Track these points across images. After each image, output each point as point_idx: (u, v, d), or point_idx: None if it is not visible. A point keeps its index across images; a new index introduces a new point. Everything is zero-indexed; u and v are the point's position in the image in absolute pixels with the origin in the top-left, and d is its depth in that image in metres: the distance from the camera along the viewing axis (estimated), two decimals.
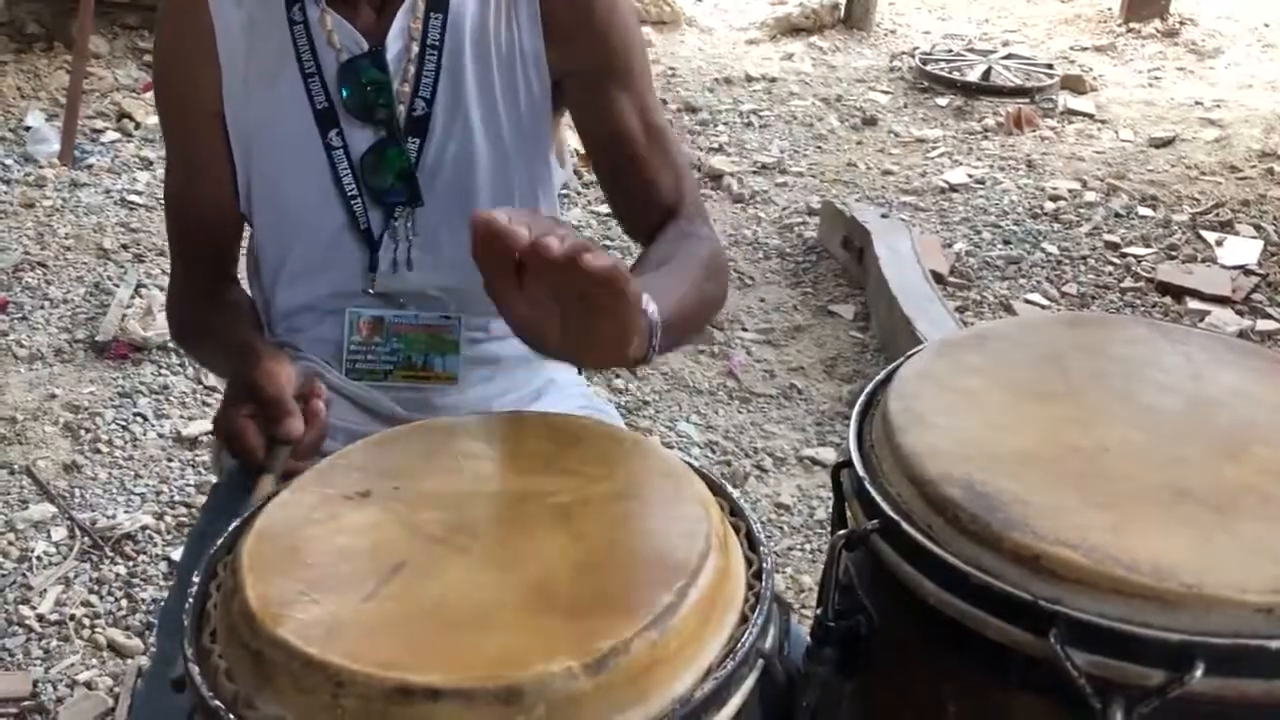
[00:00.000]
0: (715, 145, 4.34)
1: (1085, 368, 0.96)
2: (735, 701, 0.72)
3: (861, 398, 0.95)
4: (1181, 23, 5.79)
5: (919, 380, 0.93)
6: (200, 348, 1.40)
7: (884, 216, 3.48)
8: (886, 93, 4.93)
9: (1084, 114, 4.73)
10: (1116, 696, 0.73)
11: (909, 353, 0.99)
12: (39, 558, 2.29)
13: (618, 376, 2.93)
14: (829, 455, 2.66)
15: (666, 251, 1.17)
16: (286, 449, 1.03)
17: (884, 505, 0.83)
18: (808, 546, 2.39)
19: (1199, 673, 0.71)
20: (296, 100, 1.25)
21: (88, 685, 2.01)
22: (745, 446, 2.69)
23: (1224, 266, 3.50)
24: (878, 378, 0.97)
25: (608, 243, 3.60)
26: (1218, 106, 4.86)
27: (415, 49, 1.25)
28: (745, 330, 3.16)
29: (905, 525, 0.81)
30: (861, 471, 0.87)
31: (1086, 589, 0.74)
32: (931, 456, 0.84)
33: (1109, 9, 6.02)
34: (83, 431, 2.65)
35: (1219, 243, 3.64)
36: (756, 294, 3.35)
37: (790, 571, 2.30)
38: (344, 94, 1.25)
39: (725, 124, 4.56)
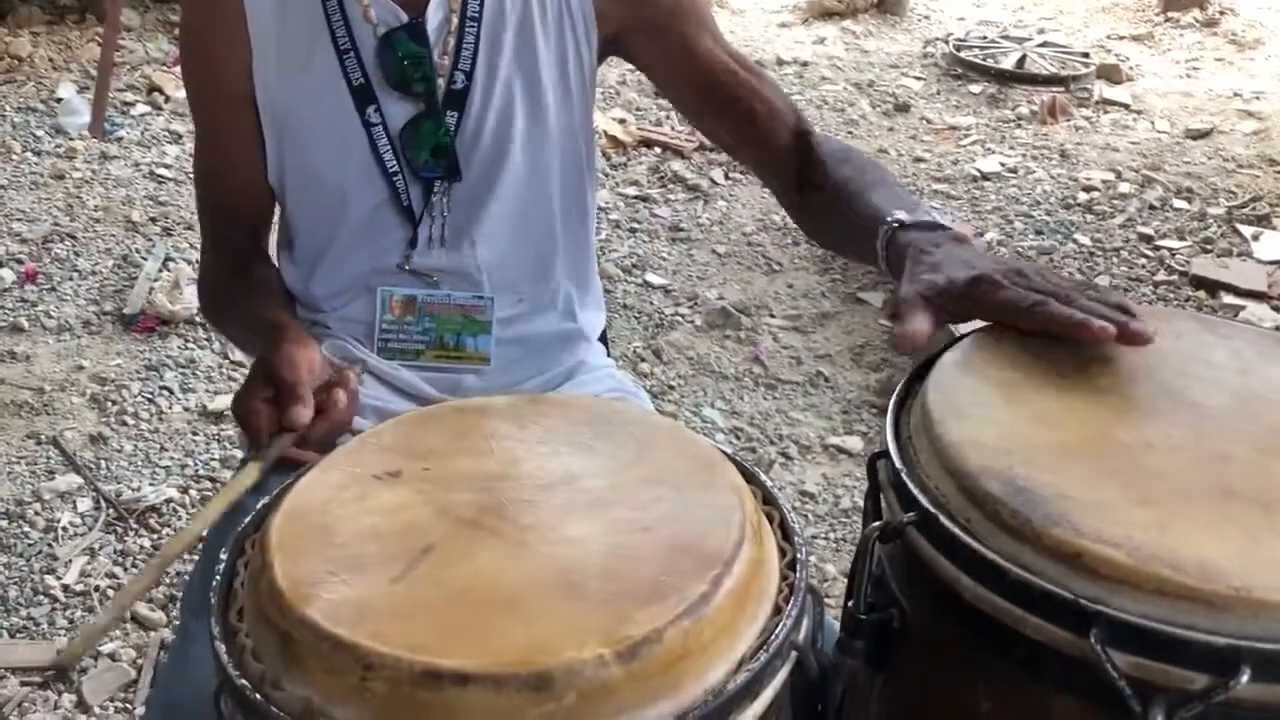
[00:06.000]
0: None
1: (1129, 361, 0.94)
2: (768, 694, 0.71)
3: (899, 387, 0.93)
4: (1221, 13, 5.70)
5: (958, 371, 0.91)
6: (230, 324, 1.39)
7: None
8: (919, 79, 4.88)
9: (1120, 104, 4.67)
10: (1158, 700, 0.71)
11: (947, 342, 0.97)
12: (64, 528, 2.30)
13: (642, 361, 2.92)
14: (855, 444, 2.64)
15: (866, 167, 1.21)
16: (288, 437, 1.01)
17: (921, 497, 0.81)
18: (832, 535, 2.37)
19: (1245, 678, 0.69)
20: (331, 78, 1.24)
21: (111, 657, 2.02)
22: (770, 433, 2.68)
23: (1260, 261, 3.45)
24: (915, 367, 0.95)
25: (635, 225, 3.58)
26: (1257, 98, 4.78)
27: (455, 20, 1.24)
28: (773, 316, 3.14)
29: (943, 518, 0.79)
30: (898, 463, 0.85)
31: (1129, 588, 0.72)
32: (971, 449, 0.82)
33: None
34: (109, 403, 2.66)
35: (1255, 237, 3.58)
36: (785, 280, 3.33)
37: (815, 560, 2.29)
38: (382, 68, 1.23)
39: None
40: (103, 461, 2.49)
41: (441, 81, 1.25)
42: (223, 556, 0.79)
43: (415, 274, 1.31)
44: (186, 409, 2.67)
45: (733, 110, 1.28)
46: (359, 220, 1.29)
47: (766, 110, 1.26)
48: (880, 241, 1.05)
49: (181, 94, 4.15)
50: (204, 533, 0.85)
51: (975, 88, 4.78)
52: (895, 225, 1.04)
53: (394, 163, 1.26)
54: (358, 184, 1.27)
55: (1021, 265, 0.96)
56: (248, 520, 0.82)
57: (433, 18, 1.24)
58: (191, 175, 1.40)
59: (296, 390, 1.03)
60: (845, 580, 0.91)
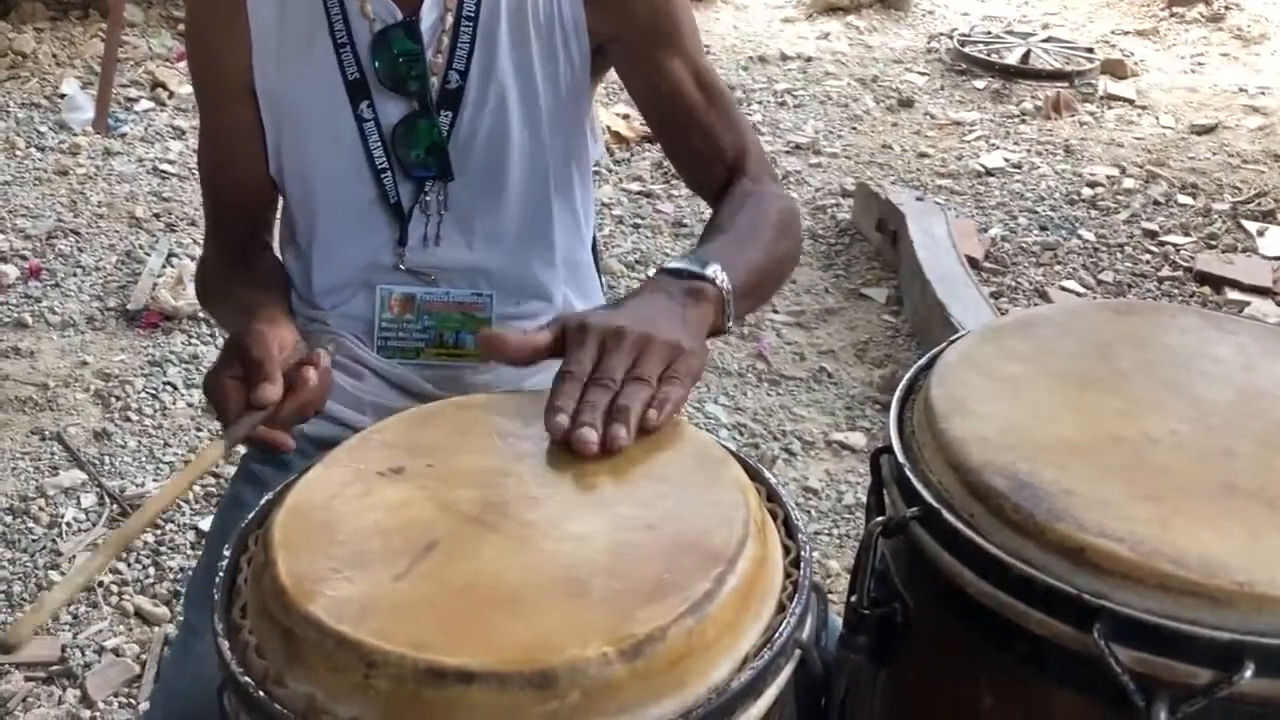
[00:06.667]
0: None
1: (1133, 356, 0.93)
2: (772, 692, 0.71)
3: (903, 383, 0.93)
4: (1226, 8, 5.68)
5: (962, 366, 0.91)
6: (220, 311, 1.39)
7: (919, 199, 3.45)
8: (923, 74, 4.88)
9: (1124, 99, 4.66)
10: (1161, 695, 0.71)
11: (952, 338, 0.97)
12: (68, 524, 2.30)
13: None
14: (858, 440, 2.64)
15: (735, 213, 1.17)
16: (257, 415, 1.01)
17: (924, 493, 0.81)
18: (835, 531, 2.37)
19: (1248, 673, 0.69)
20: (328, 70, 1.24)
21: (115, 651, 2.03)
22: (774, 429, 2.68)
23: (1265, 257, 3.45)
24: (919, 363, 0.95)
25: (638, 221, 3.58)
26: (1262, 94, 4.77)
27: (450, 20, 1.24)
28: (776, 312, 3.14)
29: (946, 513, 0.79)
30: (902, 458, 0.85)
31: (1132, 584, 0.72)
32: (974, 444, 0.82)
33: None
34: (113, 399, 2.66)
35: (1260, 233, 3.58)
36: None
37: (818, 557, 2.29)
38: (376, 65, 1.23)
39: (759, 103, 4.52)
40: (106, 457, 2.50)
41: (435, 80, 1.25)
42: (226, 553, 0.79)
43: (412, 273, 1.31)
44: (190, 405, 2.68)
45: (677, 138, 1.29)
46: (349, 215, 1.29)
47: (707, 147, 1.27)
48: None
49: (185, 90, 4.17)
50: (164, 510, 0.85)
51: (979, 83, 4.77)
52: (659, 269, 1.02)
53: (383, 160, 1.26)
54: (348, 179, 1.28)
55: (620, 334, 0.89)
56: (251, 516, 0.82)
57: (427, 16, 1.24)
58: (195, 170, 1.41)
59: (264, 368, 1.02)
60: (848, 576, 0.90)
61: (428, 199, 1.29)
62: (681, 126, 1.28)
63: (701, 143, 1.27)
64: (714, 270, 1.00)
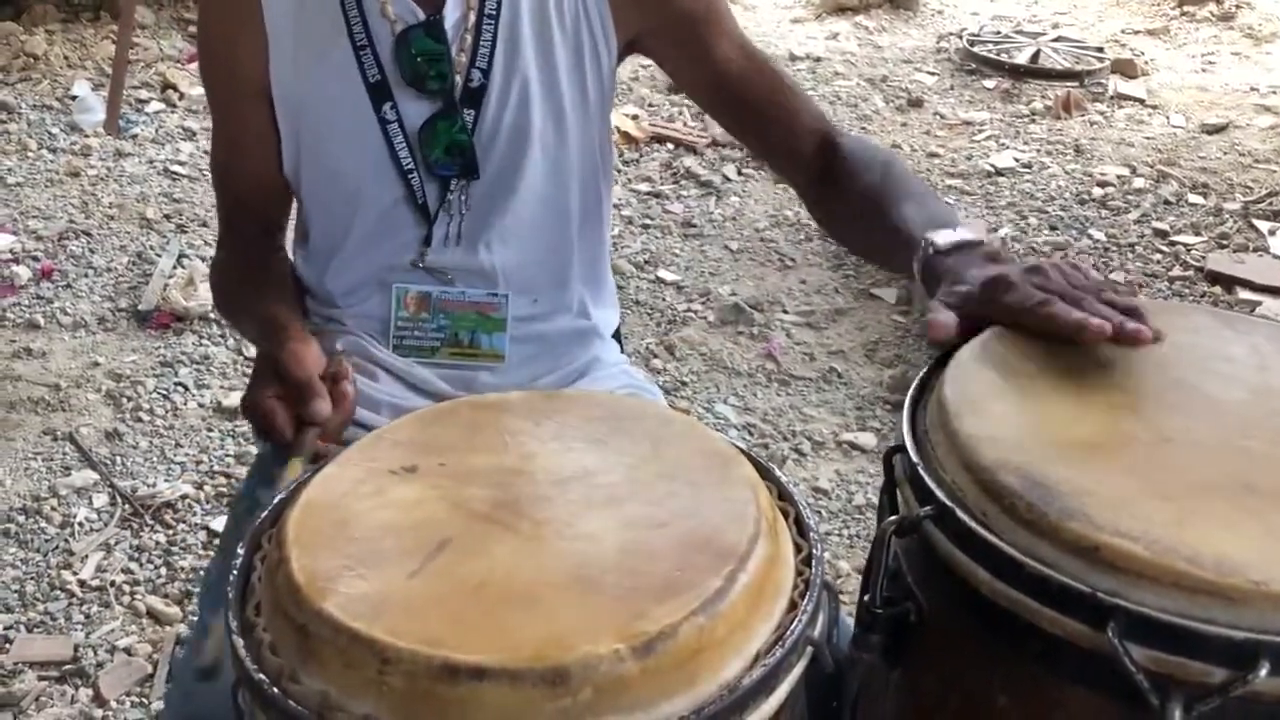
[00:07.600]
0: None
1: (1146, 356, 0.93)
2: (783, 689, 0.71)
3: (915, 382, 0.93)
4: (1237, 7, 5.66)
5: (975, 365, 0.91)
6: (238, 318, 1.39)
7: None
8: (933, 74, 4.87)
9: (1134, 99, 4.65)
10: (1176, 693, 0.71)
11: (964, 337, 0.97)
12: (80, 524, 2.31)
13: (655, 357, 2.92)
14: (868, 440, 2.64)
15: (905, 175, 1.19)
16: (314, 430, 1.03)
17: (938, 491, 0.81)
18: (846, 532, 2.37)
19: (1264, 672, 0.69)
20: (348, 73, 1.24)
21: (127, 651, 2.03)
22: (783, 430, 2.67)
23: (1277, 256, 3.44)
24: (932, 362, 0.95)
25: (647, 221, 3.58)
26: (1273, 92, 4.75)
27: (473, 18, 1.24)
28: (785, 312, 3.14)
29: (959, 512, 0.79)
30: (915, 457, 0.84)
31: (1147, 582, 0.72)
32: (988, 443, 0.82)
33: None
34: (124, 400, 2.67)
35: (1272, 232, 3.57)
36: (798, 275, 3.32)
37: (828, 556, 2.28)
38: (399, 65, 1.23)
39: None
40: (118, 457, 2.50)
41: (459, 79, 1.25)
42: (240, 551, 0.79)
43: (430, 272, 1.31)
44: (201, 405, 2.68)
45: (750, 115, 1.27)
46: (374, 217, 1.29)
47: (785, 115, 1.25)
48: (916, 265, 1.04)
49: (195, 91, 4.18)
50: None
51: (989, 83, 4.76)
52: (931, 251, 1.03)
53: (409, 160, 1.26)
54: (373, 180, 1.28)
55: (1045, 264, 0.95)
56: (264, 515, 0.82)
57: (450, 15, 1.24)
58: (205, 172, 1.41)
59: (313, 385, 1.04)
60: (859, 577, 0.90)
61: (451, 197, 1.29)
62: (756, 104, 1.25)
63: (782, 115, 1.25)
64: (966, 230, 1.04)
